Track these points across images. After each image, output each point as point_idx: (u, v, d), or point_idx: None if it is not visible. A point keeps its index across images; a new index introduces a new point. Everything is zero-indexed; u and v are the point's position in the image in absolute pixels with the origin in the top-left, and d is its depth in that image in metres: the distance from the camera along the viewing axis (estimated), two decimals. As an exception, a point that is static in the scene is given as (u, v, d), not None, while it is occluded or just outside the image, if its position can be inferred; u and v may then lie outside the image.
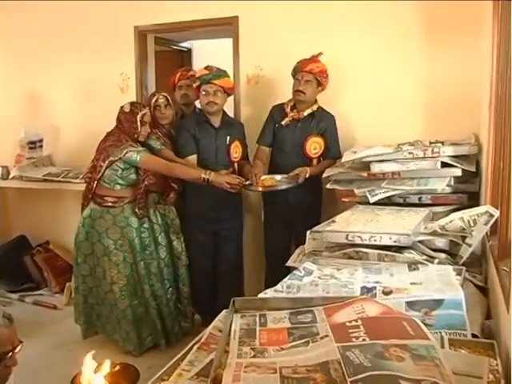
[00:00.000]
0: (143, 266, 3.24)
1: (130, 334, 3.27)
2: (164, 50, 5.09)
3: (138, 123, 3.16)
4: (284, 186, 3.18)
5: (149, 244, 3.29)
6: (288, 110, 3.39)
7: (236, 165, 3.47)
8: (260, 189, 3.22)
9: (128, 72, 4.19)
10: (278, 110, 3.46)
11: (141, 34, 4.16)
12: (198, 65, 4.57)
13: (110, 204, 3.21)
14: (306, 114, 3.35)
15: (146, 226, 3.29)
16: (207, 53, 5.35)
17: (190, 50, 5.68)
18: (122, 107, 3.23)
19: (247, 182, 3.21)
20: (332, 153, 3.37)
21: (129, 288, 3.23)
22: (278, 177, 3.28)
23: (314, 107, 3.36)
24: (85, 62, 4.28)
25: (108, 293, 3.27)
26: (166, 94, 3.41)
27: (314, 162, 3.37)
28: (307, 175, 3.21)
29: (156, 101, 3.37)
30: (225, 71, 3.33)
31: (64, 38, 4.33)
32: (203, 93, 3.29)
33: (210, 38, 5.31)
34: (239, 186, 3.16)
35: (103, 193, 3.22)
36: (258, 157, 3.46)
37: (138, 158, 3.12)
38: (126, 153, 3.11)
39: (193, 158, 3.37)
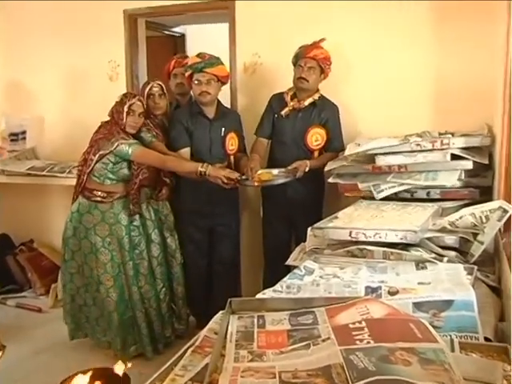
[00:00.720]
0: (132, 266, 3.24)
1: (114, 339, 3.27)
2: (156, 36, 5.08)
3: (124, 113, 3.15)
4: (281, 181, 3.17)
5: (138, 243, 3.29)
6: (288, 99, 3.38)
7: (232, 158, 3.47)
8: (256, 184, 3.21)
9: (117, 59, 4.18)
10: (278, 100, 3.45)
11: (131, 19, 4.15)
12: (192, 51, 4.53)
13: (98, 199, 3.21)
14: (307, 103, 3.34)
15: (136, 223, 3.29)
16: (202, 39, 5.34)
17: (183, 36, 5.68)
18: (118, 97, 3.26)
19: (243, 177, 3.20)
20: (334, 145, 3.37)
21: (116, 289, 3.23)
22: (275, 171, 3.27)
23: (316, 96, 3.36)
24: (71, 49, 4.27)
25: (96, 292, 3.27)
26: (160, 83, 3.40)
27: (316, 154, 3.38)
28: (307, 169, 3.21)
29: (150, 89, 3.36)
30: (218, 58, 3.31)
31: (48, 23, 4.32)
32: (196, 82, 3.28)
33: (204, 23, 5.30)
34: (234, 182, 3.15)
35: (93, 187, 3.22)
36: (256, 149, 3.45)
37: (130, 151, 3.11)
38: (117, 146, 3.10)
39: (185, 151, 3.36)
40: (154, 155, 3.20)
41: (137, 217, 3.28)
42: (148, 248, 3.34)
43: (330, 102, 3.41)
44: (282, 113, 3.39)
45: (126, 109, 3.15)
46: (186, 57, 3.73)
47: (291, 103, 3.36)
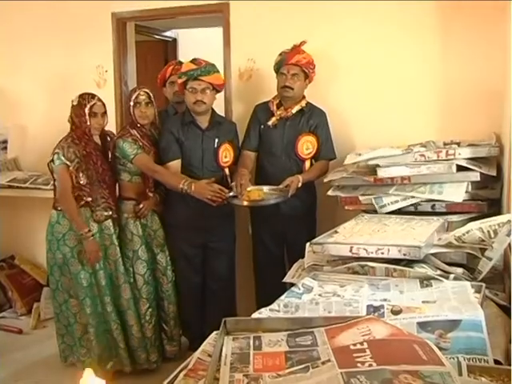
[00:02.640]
0: (103, 275, 3.26)
1: (90, 354, 3.30)
2: (146, 40, 5.11)
3: (87, 116, 3.19)
4: (272, 201, 3.17)
5: (112, 252, 3.30)
6: (274, 108, 3.41)
7: (227, 170, 3.46)
8: (245, 203, 3.20)
9: (105, 64, 4.20)
10: (263, 110, 3.47)
11: (119, 22, 4.16)
12: (185, 57, 4.57)
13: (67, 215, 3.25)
14: (294, 111, 3.37)
15: (108, 231, 3.29)
16: (194, 43, 5.37)
17: (175, 40, 5.71)
18: (71, 101, 3.28)
19: (230, 194, 3.19)
20: (324, 153, 3.39)
21: (88, 301, 3.25)
22: (266, 188, 3.28)
23: (303, 103, 3.39)
24: (56, 54, 4.28)
25: (75, 308, 3.30)
26: (148, 91, 3.39)
27: (307, 163, 3.39)
28: (299, 184, 3.21)
29: (136, 97, 3.36)
30: (214, 65, 3.32)
31: (32, 27, 4.33)
32: (190, 90, 3.28)
33: (197, 27, 5.34)
34: (221, 199, 3.15)
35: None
36: (243, 163, 3.44)
37: (57, 163, 3.19)
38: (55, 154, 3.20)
39: (175, 163, 3.36)
40: (140, 162, 3.27)
41: (109, 225, 3.29)
42: (133, 266, 3.35)
43: (317, 107, 3.43)
44: (270, 123, 3.40)
45: (87, 111, 3.20)
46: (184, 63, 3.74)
47: (278, 112, 3.38)
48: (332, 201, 3.05)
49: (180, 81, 3.33)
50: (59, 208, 3.26)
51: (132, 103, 3.35)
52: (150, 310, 3.40)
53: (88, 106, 3.20)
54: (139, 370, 3.41)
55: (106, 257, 3.29)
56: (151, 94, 3.40)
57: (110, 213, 3.29)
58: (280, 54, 3.33)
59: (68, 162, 3.18)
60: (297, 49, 3.30)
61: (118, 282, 3.32)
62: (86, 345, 3.33)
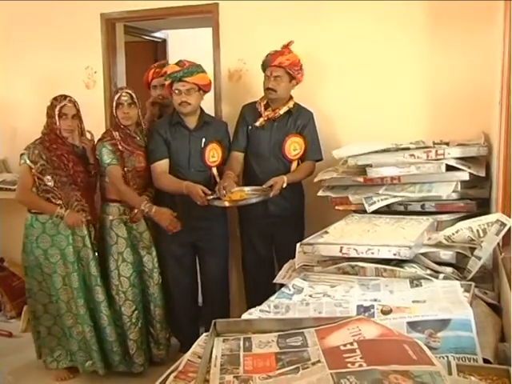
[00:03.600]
0: (76, 278, 3.26)
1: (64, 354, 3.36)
2: (135, 41, 5.09)
3: (56, 117, 3.21)
4: (254, 200, 3.18)
5: (84, 255, 3.30)
6: (262, 109, 3.41)
7: (215, 170, 3.45)
8: (227, 203, 3.20)
9: (94, 66, 4.19)
10: (250, 110, 3.47)
11: (109, 23, 4.15)
12: (174, 57, 4.55)
13: (35, 210, 3.28)
14: (282, 112, 3.38)
15: (80, 233, 3.29)
16: (184, 44, 5.37)
17: (164, 41, 5.68)
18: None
19: (211, 197, 3.19)
20: (310, 154, 3.40)
21: (61, 305, 3.27)
22: (248, 188, 3.29)
23: (290, 104, 3.39)
24: (44, 55, 4.26)
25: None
26: (130, 91, 3.37)
27: (295, 164, 3.40)
28: (284, 185, 3.22)
29: (118, 98, 3.34)
30: (199, 66, 3.33)
31: (20, 27, 4.31)
32: (176, 92, 3.29)
33: (187, 28, 5.34)
34: (203, 201, 3.17)
35: None
36: (230, 164, 3.44)
37: (21, 163, 3.23)
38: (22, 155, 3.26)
39: (162, 163, 3.37)
40: (111, 174, 3.32)
41: (81, 227, 3.29)
42: (117, 268, 3.35)
43: (304, 108, 3.44)
44: (257, 124, 3.41)
45: (57, 112, 3.21)
46: (165, 65, 3.71)
47: (266, 113, 3.39)
48: (321, 201, 3.05)
49: (166, 83, 3.34)
50: (33, 211, 3.28)
51: (114, 104, 3.35)
52: (135, 312, 3.39)
53: (58, 107, 3.22)
54: (129, 373, 3.41)
55: (79, 259, 3.29)
56: (134, 95, 3.37)
57: (84, 215, 3.28)
58: (266, 55, 3.33)
59: (32, 165, 3.21)
60: (280, 51, 3.31)
61: (91, 284, 3.32)
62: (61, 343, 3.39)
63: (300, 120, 3.39)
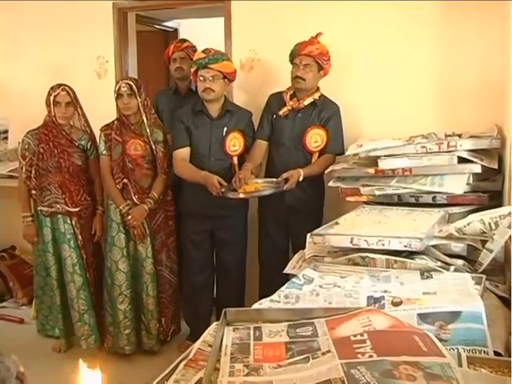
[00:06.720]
0: (55, 268, 3.46)
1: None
2: (147, 30, 5.09)
3: (51, 105, 3.32)
4: (267, 192, 3.17)
5: (65, 239, 3.44)
6: (287, 98, 3.39)
7: (235, 159, 3.44)
8: (241, 195, 3.19)
9: (106, 55, 4.19)
10: (276, 99, 3.45)
11: (120, 12, 4.16)
12: (185, 47, 4.55)
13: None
14: (306, 102, 3.35)
15: (61, 228, 3.44)
16: (196, 34, 5.32)
17: (176, 31, 5.67)
18: None
19: (223, 189, 3.17)
20: (332, 147, 3.36)
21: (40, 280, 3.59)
22: (261, 180, 3.29)
23: (316, 95, 3.36)
24: (56, 44, 4.27)
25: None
26: (130, 82, 3.38)
27: (315, 156, 3.37)
28: (300, 178, 3.20)
29: (118, 89, 3.36)
30: (224, 54, 3.36)
31: (32, 17, 4.32)
32: (200, 78, 3.30)
33: (199, 17, 5.32)
34: (218, 192, 3.15)
35: None
36: (253, 153, 3.44)
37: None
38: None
39: (183, 151, 3.39)
40: (101, 163, 3.50)
41: (60, 221, 3.44)
42: (110, 252, 3.46)
43: (330, 101, 3.41)
44: (280, 113, 3.39)
45: (51, 100, 3.32)
46: (186, 41, 3.82)
47: (290, 103, 3.37)
48: (337, 192, 3.04)
49: (192, 70, 3.36)
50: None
51: (115, 95, 3.37)
52: (121, 296, 3.44)
53: (52, 95, 3.32)
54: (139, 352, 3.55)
55: (56, 251, 3.48)
56: (134, 85, 3.36)
57: (58, 208, 3.40)
58: (295, 45, 3.31)
59: (21, 159, 3.43)
60: (310, 40, 3.29)
61: (66, 280, 3.46)
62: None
63: (324, 112, 3.36)
